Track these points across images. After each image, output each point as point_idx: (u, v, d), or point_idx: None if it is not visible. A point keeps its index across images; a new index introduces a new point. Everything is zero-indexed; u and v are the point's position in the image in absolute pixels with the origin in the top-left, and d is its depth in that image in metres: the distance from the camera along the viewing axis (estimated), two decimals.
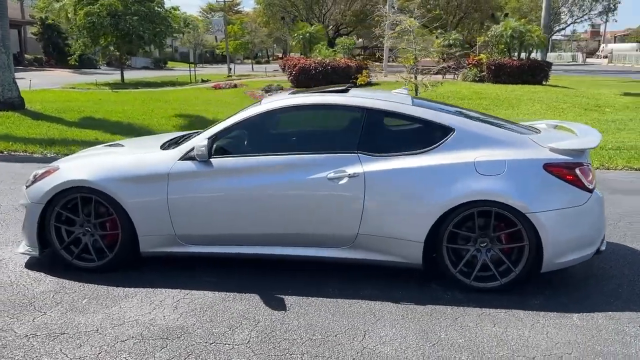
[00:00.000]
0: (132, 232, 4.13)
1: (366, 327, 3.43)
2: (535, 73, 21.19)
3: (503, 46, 22.47)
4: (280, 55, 63.13)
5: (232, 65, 34.04)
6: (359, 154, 3.96)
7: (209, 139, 4.07)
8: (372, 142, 4.01)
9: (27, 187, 4.34)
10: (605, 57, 61.85)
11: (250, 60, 50.07)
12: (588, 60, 63.46)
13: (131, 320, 3.50)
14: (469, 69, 22.00)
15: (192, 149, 4.08)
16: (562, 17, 51.50)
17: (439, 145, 3.93)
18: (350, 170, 3.90)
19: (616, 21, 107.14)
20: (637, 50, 49.99)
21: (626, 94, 19.13)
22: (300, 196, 3.99)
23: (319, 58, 20.78)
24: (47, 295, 3.85)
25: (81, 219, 4.22)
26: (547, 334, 3.35)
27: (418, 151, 3.95)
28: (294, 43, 29.56)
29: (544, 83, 21.48)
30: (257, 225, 4.07)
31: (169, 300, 3.78)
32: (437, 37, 24.56)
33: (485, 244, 3.87)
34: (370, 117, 4.07)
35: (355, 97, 4.27)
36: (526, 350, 3.16)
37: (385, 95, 4.56)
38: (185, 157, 4.10)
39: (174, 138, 4.81)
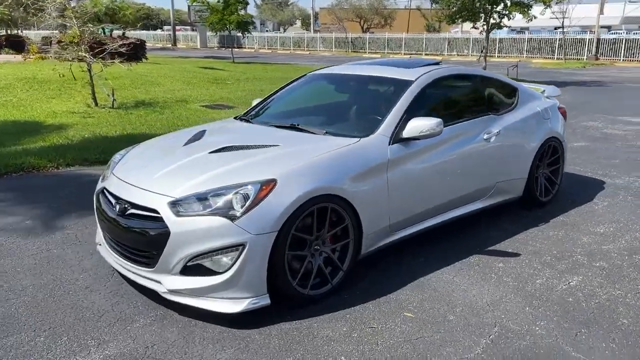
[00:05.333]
0: (360, 235, 3.62)
1: (560, 246, 4.45)
2: (136, 50, 21.42)
3: (92, 24, 21.45)
4: None
5: None
6: (491, 115, 4.70)
7: (410, 115, 3.93)
8: (491, 104, 4.82)
9: (234, 219, 3.04)
10: None
11: None
12: None
13: (488, 308, 3.42)
14: (61, 47, 20.22)
15: (397, 128, 3.86)
16: None
17: (517, 101, 5.10)
18: (494, 129, 4.62)
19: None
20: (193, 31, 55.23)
21: (211, 68, 22.00)
22: (475, 157, 4.45)
23: None
24: (352, 335, 3.12)
25: (313, 237, 3.36)
26: (592, 221, 5.18)
27: (510, 108, 5.00)
28: None
29: (144, 60, 22.02)
30: (449, 193, 4.28)
31: (466, 285, 3.71)
32: None
33: (542, 170, 5.34)
34: (484, 83, 4.83)
35: (470, 68, 4.86)
36: (613, 236, 4.91)
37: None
38: (395, 139, 3.84)
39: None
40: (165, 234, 3.09)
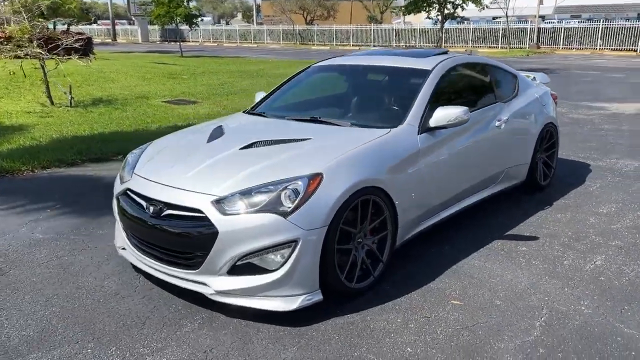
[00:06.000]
0: (395, 227, 3.62)
1: (572, 227, 4.62)
2: (86, 46, 20.55)
3: (43, 18, 20.39)
4: None
5: None
6: (499, 102, 4.79)
7: (432, 105, 3.95)
8: (499, 92, 4.90)
9: (286, 215, 2.96)
10: None
11: None
12: None
13: (529, 291, 3.50)
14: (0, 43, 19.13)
15: (423, 117, 3.86)
16: None
17: (518, 89, 5.21)
18: (503, 116, 4.71)
19: None
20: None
21: (162, 62, 21.43)
22: (489, 144, 4.52)
23: None
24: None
25: (357, 230, 3.33)
26: (592, 202, 5.44)
27: (513, 95, 5.10)
28: None
29: (91, 56, 21.13)
30: (469, 180, 4.34)
31: (499, 270, 3.78)
32: None
33: (541, 155, 5.49)
34: (492, 71, 4.91)
35: (475, 56, 4.91)
36: (614, 205, 5.18)
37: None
38: (423, 128, 3.84)
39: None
40: (212, 234, 2.97)
